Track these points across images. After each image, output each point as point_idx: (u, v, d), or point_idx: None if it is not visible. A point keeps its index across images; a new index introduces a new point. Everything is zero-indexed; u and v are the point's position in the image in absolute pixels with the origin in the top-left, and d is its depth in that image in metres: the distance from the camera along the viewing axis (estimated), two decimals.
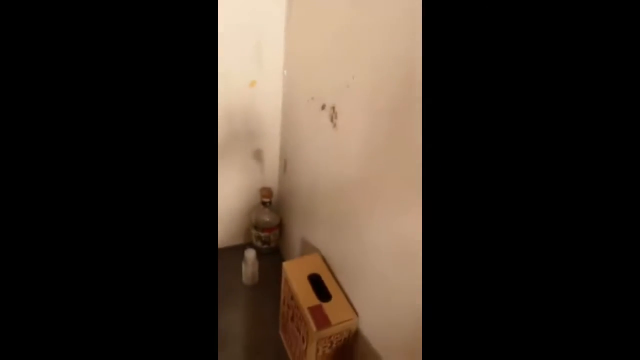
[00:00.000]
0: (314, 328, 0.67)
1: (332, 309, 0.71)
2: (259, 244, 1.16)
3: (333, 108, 0.70)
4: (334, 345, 0.71)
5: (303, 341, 0.74)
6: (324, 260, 0.83)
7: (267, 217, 1.12)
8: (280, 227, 1.16)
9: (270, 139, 1.07)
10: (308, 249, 0.96)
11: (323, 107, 0.74)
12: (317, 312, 0.70)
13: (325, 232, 0.83)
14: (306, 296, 0.74)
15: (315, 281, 0.77)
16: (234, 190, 1.12)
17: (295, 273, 0.79)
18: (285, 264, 0.81)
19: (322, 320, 0.68)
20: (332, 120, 0.71)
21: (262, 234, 1.13)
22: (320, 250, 0.87)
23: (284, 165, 1.08)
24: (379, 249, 0.61)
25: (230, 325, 0.95)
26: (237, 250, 1.16)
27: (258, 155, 1.09)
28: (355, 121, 0.63)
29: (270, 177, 1.14)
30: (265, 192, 1.10)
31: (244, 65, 0.93)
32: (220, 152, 1.03)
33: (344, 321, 0.69)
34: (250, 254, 1.03)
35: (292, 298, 0.77)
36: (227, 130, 1.00)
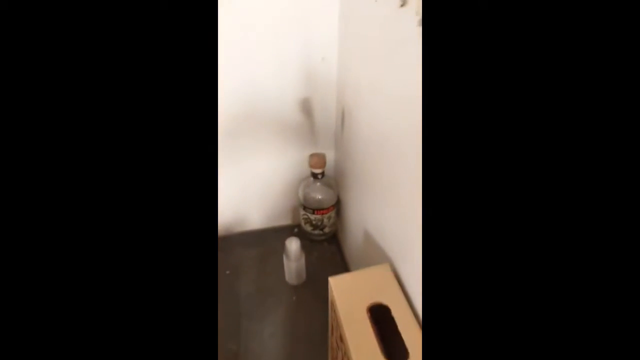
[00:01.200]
0: None
1: None
2: (308, 228, 0.87)
3: None
4: None
5: None
6: (398, 278, 0.50)
7: (318, 194, 0.82)
8: (337, 208, 0.85)
9: (322, 79, 0.73)
10: (374, 248, 0.63)
11: (404, 2, 0.38)
12: None
13: (401, 224, 0.50)
14: (364, 347, 0.42)
15: (381, 318, 0.46)
16: (273, 156, 0.82)
17: (347, 298, 0.48)
18: (332, 281, 0.50)
19: None
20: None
21: (313, 217, 0.83)
22: (391, 259, 0.54)
23: (342, 117, 0.74)
24: None
25: (264, 343, 0.69)
26: (281, 233, 0.89)
27: (306, 107, 0.76)
28: None
29: (324, 137, 0.82)
30: (316, 160, 0.78)
31: None
32: (250, 106, 0.72)
33: None
34: (292, 245, 0.74)
35: (342, 340, 0.47)
36: (256, 70, 0.69)
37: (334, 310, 0.49)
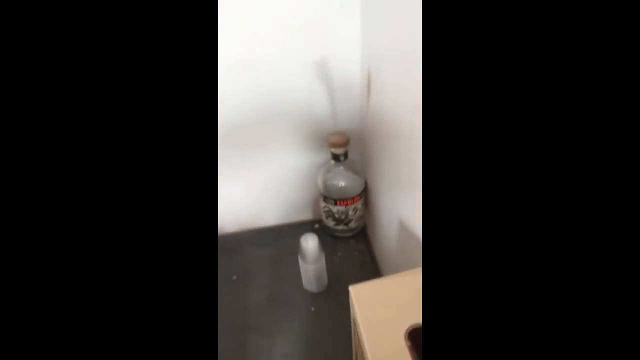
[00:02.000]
0: None
1: None
2: (330, 223, 0.72)
3: None
4: None
5: None
6: None
7: (341, 181, 0.67)
8: (364, 198, 0.70)
9: (342, 34, 0.59)
10: (413, 247, 0.48)
11: None
12: None
13: None
14: None
15: None
16: (287, 140, 0.68)
17: (377, 317, 0.33)
18: (354, 291, 0.35)
19: None
20: None
21: (335, 208, 0.68)
22: None
23: (368, 82, 0.59)
24: None
25: None
26: (300, 230, 0.74)
27: (322, 73, 0.62)
28: None
29: (347, 111, 0.67)
30: (337, 138, 0.63)
31: None
32: (253, 76, 0.59)
33: None
34: (309, 242, 0.59)
35: None
36: (258, 27, 0.55)
37: (358, 334, 0.34)
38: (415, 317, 0.32)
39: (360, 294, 0.34)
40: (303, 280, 0.65)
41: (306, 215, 0.80)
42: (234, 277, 0.68)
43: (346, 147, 0.64)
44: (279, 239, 0.76)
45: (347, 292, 0.35)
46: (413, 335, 0.31)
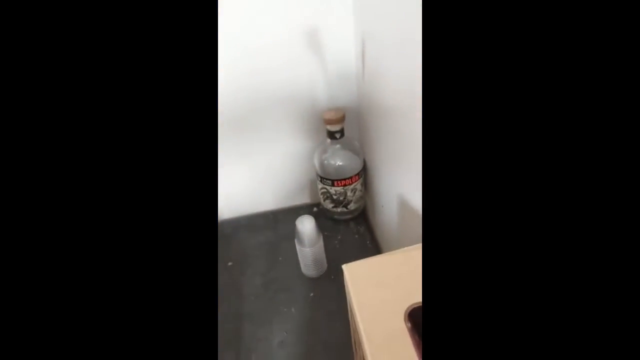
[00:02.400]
0: None
1: None
2: (329, 205, 0.69)
3: None
4: None
5: None
6: None
7: (338, 160, 0.64)
8: (364, 177, 0.67)
9: (335, 4, 0.55)
10: (416, 227, 0.45)
11: None
12: None
13: None
14: None
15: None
16: (282, 121, 0.64)
17: (373, 297, 0.30)
18: (348, 270, 0.32)
19: None
20: None
21: (333, 190, 0.65)
22: None
23: (362, 48, 0.55)
24: None
25: (271, 353, 0.53)
26: (298, 214, 0.72)
27: (314, 42, 0.58)
28: None
29: (342, 92, 0.63)
30: (331, 115, 0.60)
31: None
32: (245, 53, 0.55)
33: None
34: (305, 225, 0.56)
35: None
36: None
37: (353, 316, 0.31)
38: (416, 296, 0.28)
39: (355, 273, 0.31)
40: (301, 265, 0.62)
41: (304, 199, 0.77)
42: (230, 264, 0.66)
43: (342, 123, 0.60)
44: (276, 224, 0.73)
45: None
46: (413, 316, 0.27)
